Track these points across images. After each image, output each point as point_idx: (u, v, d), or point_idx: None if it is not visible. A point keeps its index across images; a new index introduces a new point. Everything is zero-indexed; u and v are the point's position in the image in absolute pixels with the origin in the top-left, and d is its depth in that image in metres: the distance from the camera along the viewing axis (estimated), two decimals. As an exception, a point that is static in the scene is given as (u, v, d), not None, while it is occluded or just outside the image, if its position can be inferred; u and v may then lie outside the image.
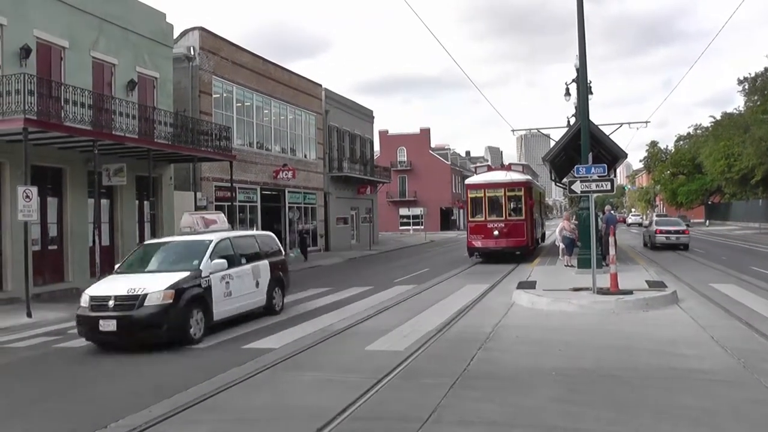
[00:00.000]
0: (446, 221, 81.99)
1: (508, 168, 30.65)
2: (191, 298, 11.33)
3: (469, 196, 27.82)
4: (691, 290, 15.82)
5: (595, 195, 15.73)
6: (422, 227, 71.29)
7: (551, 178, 33.95)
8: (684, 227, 34.08)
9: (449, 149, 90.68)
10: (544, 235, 39.93)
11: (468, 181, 29.75)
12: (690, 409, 6.55)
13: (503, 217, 26.69)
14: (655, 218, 40.64)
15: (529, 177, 29.93)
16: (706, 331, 10.56)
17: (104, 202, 22.15)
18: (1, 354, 11.28)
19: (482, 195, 27.14)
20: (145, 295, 10.78)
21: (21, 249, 16.36)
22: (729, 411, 6.48)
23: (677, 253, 30.00)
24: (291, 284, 16.24)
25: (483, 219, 26.87)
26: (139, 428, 6.50)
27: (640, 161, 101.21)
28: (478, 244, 26.80)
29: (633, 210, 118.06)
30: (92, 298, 11.04)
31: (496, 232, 26.31)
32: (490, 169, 31.22)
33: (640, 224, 75.10)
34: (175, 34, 27.27)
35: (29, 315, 14.92)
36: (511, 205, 27.03)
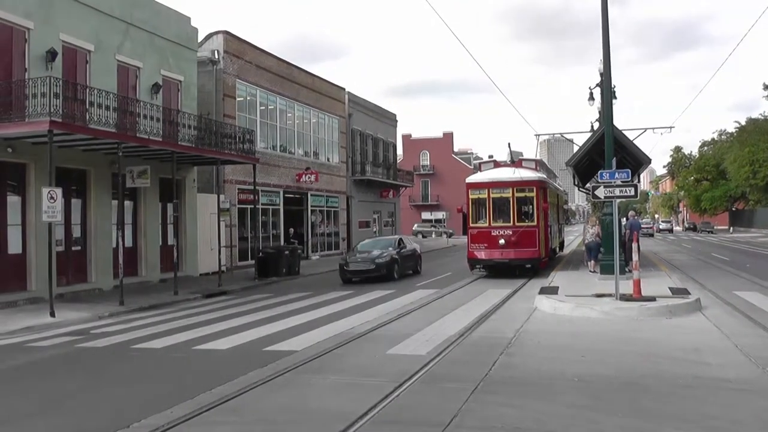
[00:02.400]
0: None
1: (518, 164, 25.66)
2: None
3: (470, 197, 23.79)
4: (714, 298, 15.63)
5: (618, 200, 15.60)
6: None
7: (574, 183, 33.37)
8: (651, 225, 71.46)
9: (472, 153, 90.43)
10: (562, 243, 35.96)
11: (469, 179, 25.05)
12: (714, 419, 6.45)
13: (511, 223, 22.70)
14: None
15: (542, 175, 25.65)
16: (731, 339, 10.42)
17: (128, 203, 22.38)
18: (25, 353, 11.41)
19: (486, 196, 23.23)
20: None
21: (45, 249, 16.56)
22: (754, 421, 6.38)
23: (700, 259, 30.36)
24: (310, 287, 16.26)
25: (487, 225, 23.02)
26: (161, 428, 6.52)
27: (664, 167, 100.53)
28: (481, 255, 22.89)
29: (659, 216, 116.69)
30: None
31: (502, 241, 22.38)
32: (496, 165, 26.49)
33: (670, 230, 74.91)
34: (200, 38, 27.52)
35: (52, 315, 15.06)
36: (521, 209, 23.01)
